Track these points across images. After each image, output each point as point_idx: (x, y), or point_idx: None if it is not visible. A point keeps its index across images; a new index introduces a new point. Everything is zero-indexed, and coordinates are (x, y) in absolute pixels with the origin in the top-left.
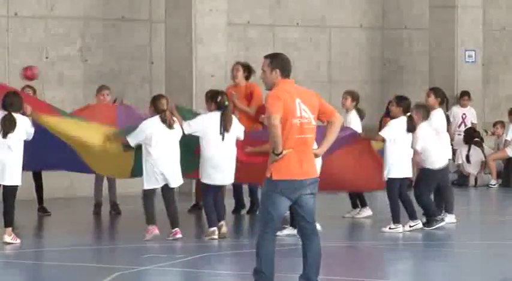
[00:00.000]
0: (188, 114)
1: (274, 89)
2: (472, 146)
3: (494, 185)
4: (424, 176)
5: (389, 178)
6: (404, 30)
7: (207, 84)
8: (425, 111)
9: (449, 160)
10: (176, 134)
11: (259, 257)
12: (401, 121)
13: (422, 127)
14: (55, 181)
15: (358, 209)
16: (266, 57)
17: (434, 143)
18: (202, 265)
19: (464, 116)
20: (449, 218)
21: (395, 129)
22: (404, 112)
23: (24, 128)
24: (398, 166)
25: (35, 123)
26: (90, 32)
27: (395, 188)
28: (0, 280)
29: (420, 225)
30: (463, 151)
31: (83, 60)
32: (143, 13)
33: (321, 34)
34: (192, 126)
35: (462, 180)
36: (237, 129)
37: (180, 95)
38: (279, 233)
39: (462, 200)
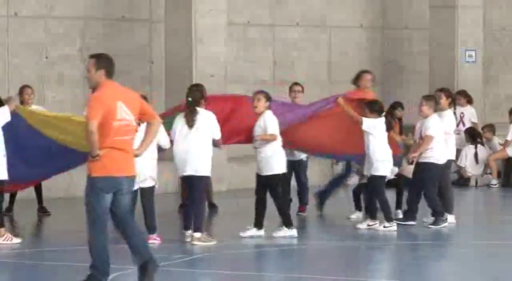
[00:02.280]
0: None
1: (98, 91)
2: (478, 145)
3: (496, 185)
4: (428, 171)
5: (374, 175)
6: (404, 30)
7: (207, 84)
8: (435, 104)
9: (452, 160)
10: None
11: (92, 253)
12: (381, 121)
13: (434, 117)
14: (55, 181)
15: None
16: (91, 57)
17: (442, 139)
18: (202, 265)
19: (462, 115)
20: (449, 218)
21: (376, 123)
22: (379, 114)
23: None
24: (383, 164)
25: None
26: (90, 32)
27: (382, 185)
28: (0, 280)
29: (395, 227)
30: (469, 150)
31: (82, 60)
32: (143, 13)
33: (321, 34)
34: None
35: (463, 180)
36: (208, 126)
37: (179, 95)
38: (275, 234)
39: (462, 200)
